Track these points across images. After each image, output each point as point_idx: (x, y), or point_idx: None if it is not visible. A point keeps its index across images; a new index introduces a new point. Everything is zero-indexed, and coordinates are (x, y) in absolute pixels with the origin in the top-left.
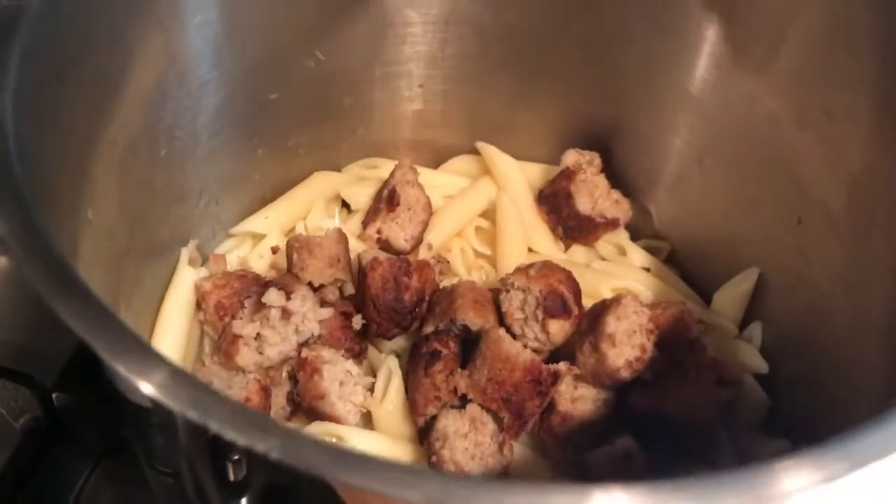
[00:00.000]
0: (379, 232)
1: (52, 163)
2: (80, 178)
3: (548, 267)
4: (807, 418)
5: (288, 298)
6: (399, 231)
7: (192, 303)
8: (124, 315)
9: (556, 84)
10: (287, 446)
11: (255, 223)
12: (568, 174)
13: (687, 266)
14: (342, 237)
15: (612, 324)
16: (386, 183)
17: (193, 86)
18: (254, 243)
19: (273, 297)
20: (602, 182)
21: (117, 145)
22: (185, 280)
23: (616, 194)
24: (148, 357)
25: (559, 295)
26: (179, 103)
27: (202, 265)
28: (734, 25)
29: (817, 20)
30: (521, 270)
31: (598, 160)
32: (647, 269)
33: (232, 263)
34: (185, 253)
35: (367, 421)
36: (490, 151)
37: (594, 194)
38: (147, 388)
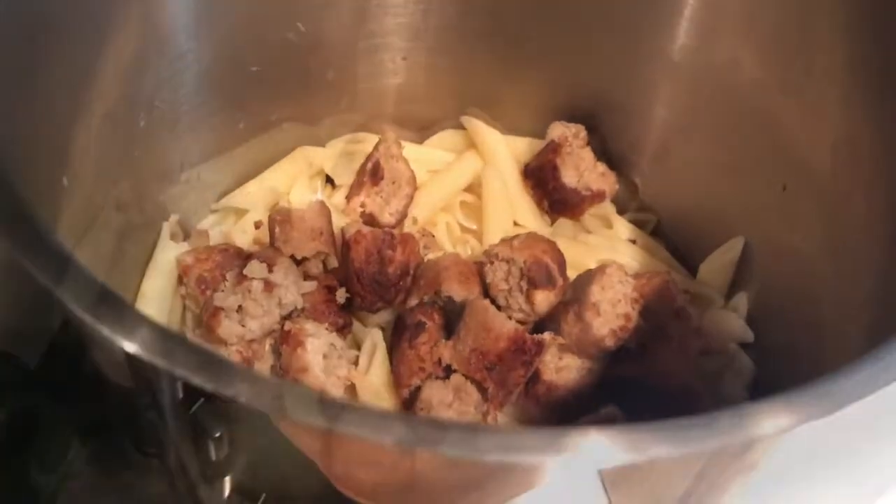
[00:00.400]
0: (363, 206)
1: (29, 128)
2: (57, 146)
3: (532, 238)
4: (791, 387)
5: (270, 271)
6: (383, 205)
7: (174, 278)
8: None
9: (540, 55)
10: (254, 390)
11: (237, 198)
12: (553, 147)
13: (674, 238)
14: (324, 210)
15: (596, 293)
16: (370, 157)
17: (173, 56)
18: (237, 218)
19: (255, 268)
20: (588, 155)
21: (95, 114)
22: (167, 254)
23: (602, 167)
24: (125, 312)
25: (543, 265)
26: (159, 73)
27: (185, 240)
28: None
29: None
30: (506, 241)
31: (583, 133)
32: (634, 242)
33: (215, 238)
34: (167, 227)
35: (352, 394)
36: (475, 125)
37: (580, 167)
38: (125, 344)
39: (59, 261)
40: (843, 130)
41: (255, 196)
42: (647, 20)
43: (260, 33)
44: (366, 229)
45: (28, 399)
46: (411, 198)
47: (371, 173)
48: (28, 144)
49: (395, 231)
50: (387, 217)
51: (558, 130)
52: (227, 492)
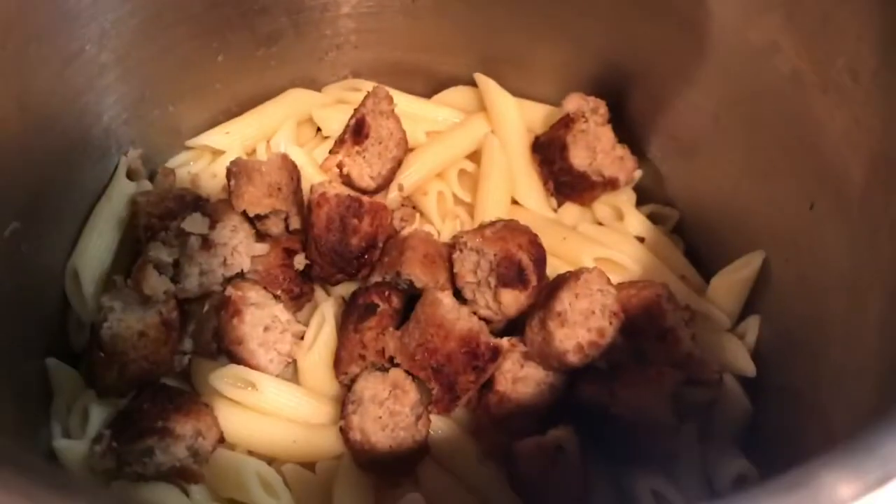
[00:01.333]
0: (340, 165)
1: None
2: None
3: (508, 228)
4: (788, 428)
5: (212, 227)
6: (364, 167)
7: (125, 216)
8: (50, 215)
9: (572, 14)
10: None
11: (213, 137)
12: (566, 122)
13: (693, 238)
14: (286, 163)
15: (565, 300)
16: (356, 111)
17: None
18: (212, 159)
19: (195, 223)
20: (606, 134)
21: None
22: (120, 191)
23: (622, 150)
24: None
25: (515, 262)
26: None
27: (149, 178)
28: None
29: None
30: (477, 229)
31: (603, 108)
32: (642, 239)
33: (183, 179)
34: (124, 162)
35: (295, 371)
36: (488, 85)
37: (595, 148)
38: None
39: None
40: (884, 147)
41: (234, 137)
42: None
43: None
44: (332, 192)
45: None
46: (399, 161)
47: (354, 130)
48: None
49: (367, 198)
50: (366, 181)
51: (574, 103)
52: None
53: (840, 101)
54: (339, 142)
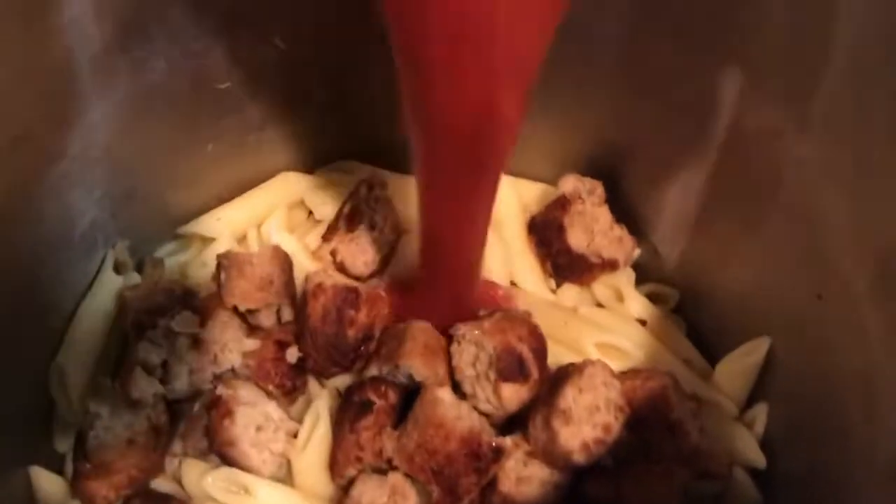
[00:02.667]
0: (334, 253)
1: None
2: None
3: (507, 319)
4: None
5: (202, 325)
6: (358, 254)
7: (112, 311)
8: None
9: (570, 91)
10: None
11: (203, 224)
12: (563, 203)
13: (695, 319)
14: (278, 254)
15: (569, 396)
16: (350, 196)
17: (111, 69)
18: (203, 247)
19: (184, 321)
20: (604, 215)
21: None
22: (107, 286)
23: (620, 230)
24: None
25: (516, 355)
26: (91, 89)
27: (137, 269)
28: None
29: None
30: (476, 321)
31: (600, 189)
32: (644, 322)
33: (172, 269)
34: (112, 255)
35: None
36: None
37: (592, 229)
38: None
39: None
40: (893, 243)
41: (224, 224)
42: (694, 68)
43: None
44: (328, 282)
45: None
46: (394, 245)
47: (347, 218)
48: None
49: (364, 287)
50: (361, 267)
51: (570, 184)
52: None
53: (847, 190)
54: (332, 228)
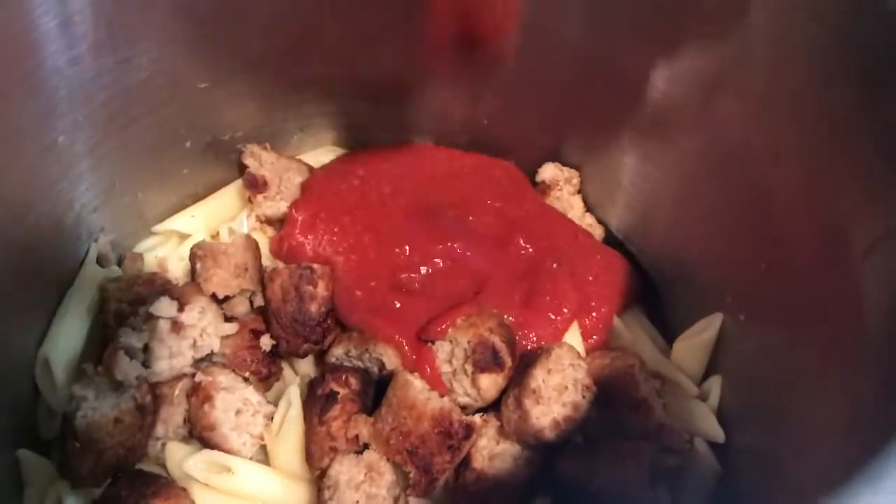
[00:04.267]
0: (259, 218)
1: None
2: None
3: (476, 314)
4: (758, 489)
5: (181, 310)
6: (277, 202)
7: (95, 302)
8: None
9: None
10: None
11: (179, 221)
12: (542, 189)
13: (653, 301)
14: (250, 244)
15: (539, 377)
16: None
17: (95, 68)
18: (179, 242)
19: (163, 307)
20: (577, 203)
21: None
22: (90, 278)
23: (591, 218)
24: None
25: (489, 346)
26: (76, 83)
27: (118, 264)
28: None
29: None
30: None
31: (576, 178)
32: None
33: (150, 264)
34: (94, 249)
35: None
36: None
37: (567, 214)
38: None
39: None
40: (833, 218)
41: (199, 220)
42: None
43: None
44: (282, 265)
45: None
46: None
47: (251, 185)
48: None
49: (318, 265)
50: (284, 208)
51: (550, 172)
52: None
53: (788, 172)
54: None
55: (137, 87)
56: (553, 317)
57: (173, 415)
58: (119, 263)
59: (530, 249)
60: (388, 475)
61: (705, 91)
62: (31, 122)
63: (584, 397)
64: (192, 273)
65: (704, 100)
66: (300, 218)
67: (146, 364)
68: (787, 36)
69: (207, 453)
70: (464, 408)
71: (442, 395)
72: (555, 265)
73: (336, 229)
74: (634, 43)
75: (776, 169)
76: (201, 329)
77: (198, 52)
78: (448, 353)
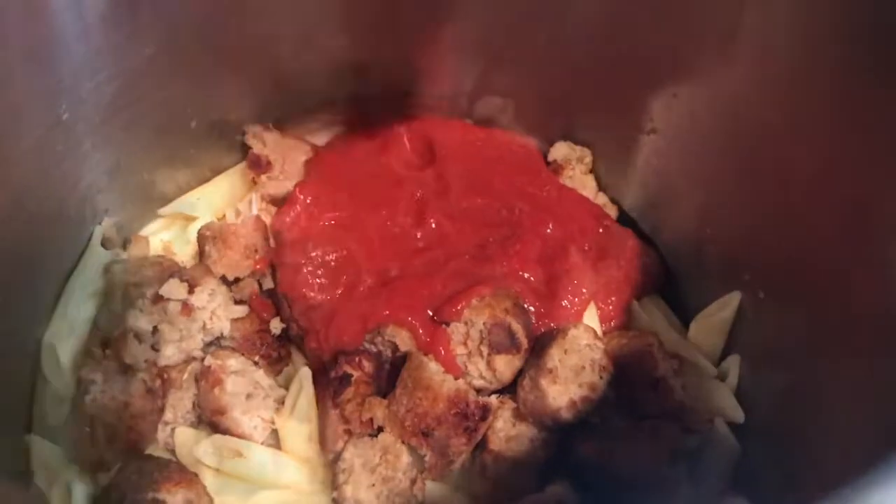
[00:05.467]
0: (264, 197)
1: None
2: None
3: (492, 295)
4: (780, 469)
5: (191, 292)
6: (282, 182)
7: (100, 285)
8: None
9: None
10: None
11: (184, 204)
12: (554, 168)
13: (669, 281)
14: (260, 225)
15: (555, 357)
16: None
17: (102, 43)
18: (185, 225)
19: (173, 288)
20: (590, 182)
21: None
22: (95, 261)
23: (603, 198)
24: None
25: (505, 327)
26: (82, 58)
27: (123, 246)
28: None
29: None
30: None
31: (589, 157)
32: None
33: (156, 247)
34: (99, 231)
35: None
36: None
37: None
38: None
39: None
40: (855, 192)
41: (204, 202)
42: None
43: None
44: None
45: None
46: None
47: (254, 166)
48: None
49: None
50: (289, 188)
51: (562, 151)
52: None
53: (810, 149)
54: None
55: (144, 64)
56: (572, 299)
57: (182, 399)
58: (123, 247)
59: (550, 230)
60: (404, 457)
61: (723, 67)
62: (37, 98)
63: (601, 377)
64: (201, 254)
65: (722, 77)
66: (304, 197)
67: (155, 347)
68: (810, 10)
69: (218, 438)
70: (479, 390)
71: (457, 378)
72: (577, 247)
73: (341, 208)
74: (648, 20)
75: (797, 146)
76: (211, 311)
77: (205, 29)
78: (463, 334)
